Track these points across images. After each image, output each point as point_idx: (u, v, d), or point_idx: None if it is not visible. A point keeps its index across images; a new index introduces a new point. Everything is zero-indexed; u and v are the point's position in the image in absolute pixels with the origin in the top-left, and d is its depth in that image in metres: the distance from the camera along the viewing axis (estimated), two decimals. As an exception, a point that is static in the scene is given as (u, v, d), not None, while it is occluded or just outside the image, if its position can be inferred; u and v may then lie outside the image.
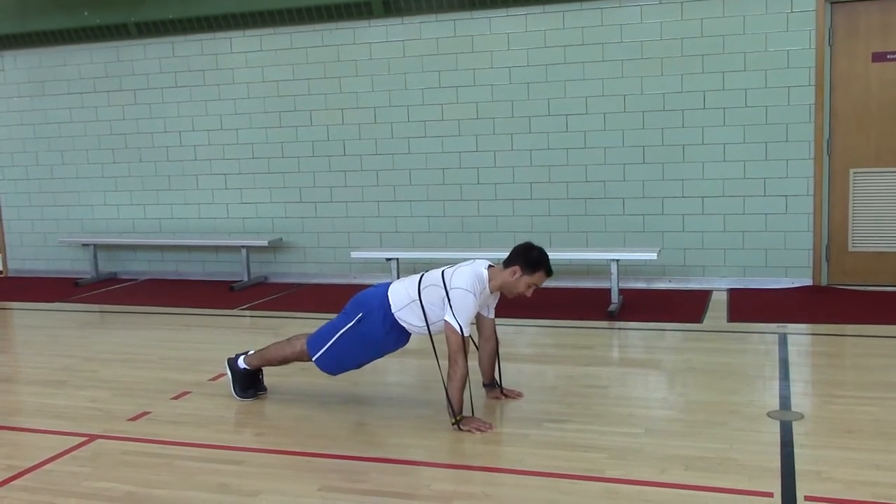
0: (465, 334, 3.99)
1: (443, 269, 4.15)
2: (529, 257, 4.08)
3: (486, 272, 4.10)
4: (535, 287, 4.13)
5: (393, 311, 4.17)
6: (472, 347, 4.28)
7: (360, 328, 4.20)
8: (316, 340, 4.33)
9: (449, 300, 3.99)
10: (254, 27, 8.20)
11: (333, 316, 4.40)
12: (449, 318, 3.98)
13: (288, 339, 4.52)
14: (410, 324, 4.18)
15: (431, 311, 4.09)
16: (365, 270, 8.18)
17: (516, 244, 4.20)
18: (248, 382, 4.61)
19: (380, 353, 4.36)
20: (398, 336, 4.27)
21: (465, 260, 4.21)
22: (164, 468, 3.68)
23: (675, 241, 7.31)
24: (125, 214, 9.06)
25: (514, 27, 7.47)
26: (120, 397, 4.76)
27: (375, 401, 4.62)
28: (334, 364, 4.33)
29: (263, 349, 4.58)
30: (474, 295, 4.00)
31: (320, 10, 7.84)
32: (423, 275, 4.20)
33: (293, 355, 4.44)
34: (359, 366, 4.40)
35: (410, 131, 7.91)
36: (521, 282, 4.08)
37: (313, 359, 4.33)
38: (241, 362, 4.58)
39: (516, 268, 4.06)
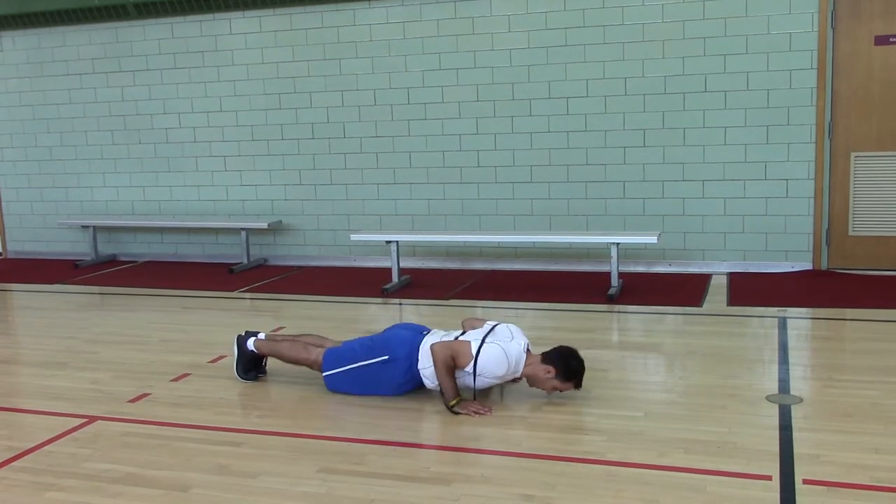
0: (467, 371, 3.97)
1: (482, 334, 4.10)
2: (569, 366, 4.00)
3: (525, 356, 4.05)
4: (558, 392, 4.08)
5: (419, 367, 4.14)
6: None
7: (380, 369, 4.19)
8: (333, 359, 4.30)
9: (482, 345, 3.96)
10: (253, 8, 8.15)
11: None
12: (473, 348, 3.96)
13: (305, 345, 4.49)
14: (432, 382, 4.14)
15: (459, 377, 4.05)
16: (365, 253, 8.18)
17: (561, 346, 4.09)
18: (252, 364, 4.62)
19: (385, 394, 4.29)
20: (413, 386, 4.24)
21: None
22: (163, 450, 3.69)
23: (676, 224, 7.30)
24: (124, 196, 9.04)
25: (514, 9, 7.42)
26: (120, 379, 4.76)
27: (375, 383, 4.62)
28: (341, 386, 4.31)
29: (277, 342, 4.56)
30: (507, 366, 3.96)
31: (320, -9, 7.81)
32: (458, 335, 4.17)
33: (305, 362, 4.43)
34: (361, 395, 4.34)
35: (410, 114, 7.88)
36: (550, 383, 4.01)
37: (323, 374, 4.32)
38: (250, 344, 4.57)
39: (552, 368, 3.99)
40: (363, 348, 4.28)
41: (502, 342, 4.02)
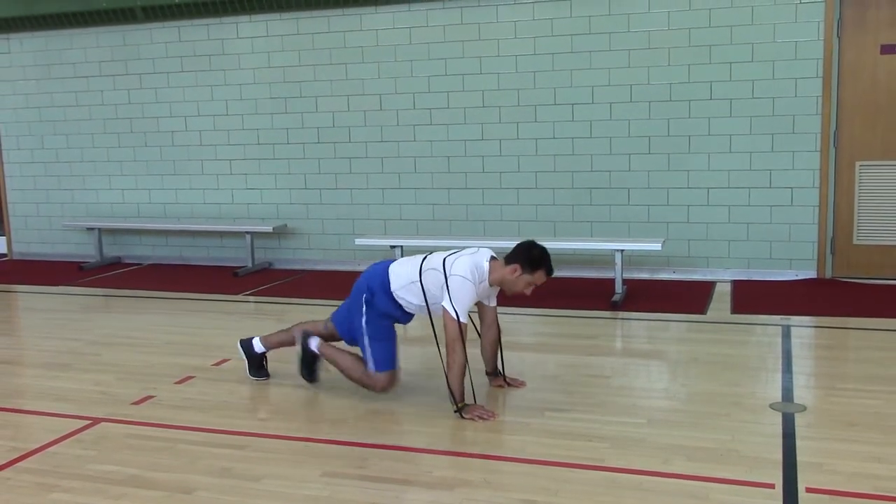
0: (463, 321, 3.99)
1: (446, 254, 4.15)
2: (530, 256, 4.05)
3: (486, 264, 4.08)
4: (534, 286, 4.11)
5: (392, 288, 4.18)
6: (473, 335, 4.28)
7: (377, 316, 4.19)
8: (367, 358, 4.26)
9: (447, 287, 3.99)
10: (260, 12, 8.18)
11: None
12: (446, 304, 3.98)
13: (354, 358, 4.39)
14: (409, 302, 4.19)
15: (431, 294, 4.11)
16: (369, 257, 8.18)
17: (520, 241, 4.18)
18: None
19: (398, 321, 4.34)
20: (402, 312, 4.29)
21: (469, 247, 4.21)
22: (167, 452, 3.70)
23: (680, 231, 7.30)
24: (130, 199, 9.06)
25: (521, 15, 7.44)
26: (124, 381, 4.77)
27: (378, 388, 4.63)
28: (389, 362, 4.26)
29: (336, 351, 4.47)
30: (473, 284, 3.99)
31: (327, -5, 7.84)
32: (425, 257, 4.21)
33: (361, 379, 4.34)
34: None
35: (416, 119, 7.90)
36: (520, 280, 4.06)
37: (376, 372, 4.23)
38: (313, 345, 4.52)
39: (517, 266, 4.04)
40: (355, 318, 4.25)
41: (460, 264, 4.00)
